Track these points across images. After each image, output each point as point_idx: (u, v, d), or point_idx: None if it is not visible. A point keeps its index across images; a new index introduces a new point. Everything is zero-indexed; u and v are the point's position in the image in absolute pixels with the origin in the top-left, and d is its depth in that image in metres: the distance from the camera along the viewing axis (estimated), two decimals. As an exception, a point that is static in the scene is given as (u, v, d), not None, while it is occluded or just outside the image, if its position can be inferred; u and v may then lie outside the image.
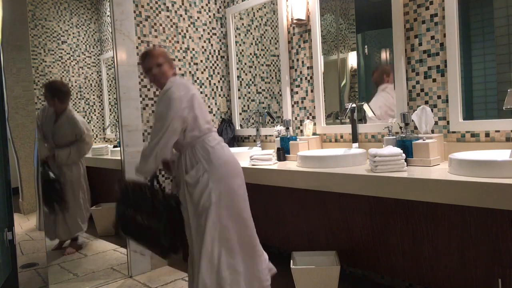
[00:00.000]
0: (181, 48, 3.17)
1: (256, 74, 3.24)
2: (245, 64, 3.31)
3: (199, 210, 1.92)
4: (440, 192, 1.65)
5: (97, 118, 3.44)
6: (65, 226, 3.02)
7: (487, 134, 2.03)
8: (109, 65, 3.38)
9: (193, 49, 3.24)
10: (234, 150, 2.89)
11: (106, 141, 3.49)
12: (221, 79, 3.41)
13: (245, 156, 2.70)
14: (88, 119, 3.40)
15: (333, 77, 2.76)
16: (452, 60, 2.11)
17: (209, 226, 1.89)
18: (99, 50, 3.42)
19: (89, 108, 3.39)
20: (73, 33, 3.30)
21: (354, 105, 2.45)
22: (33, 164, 2.21)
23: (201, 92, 3.28)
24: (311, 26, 2.78)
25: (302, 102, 2.91)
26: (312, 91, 2.84)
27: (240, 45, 3.34)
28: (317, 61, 2.76)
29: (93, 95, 3.41)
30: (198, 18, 3.27)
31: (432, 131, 2.18)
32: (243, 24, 3.31)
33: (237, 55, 3.37)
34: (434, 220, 1.85)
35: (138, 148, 2.90)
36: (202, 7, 3.29)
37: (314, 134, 2.78)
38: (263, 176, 2.36)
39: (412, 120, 2.18)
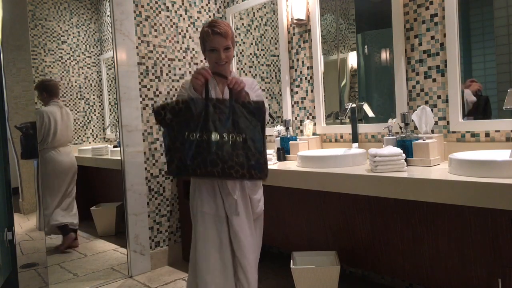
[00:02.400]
0: (181, 48, 3.17)
1: (256, 74, 3.24)
2: (245, 64, 3.31)
3: (256, 215, 1.88)
4: (440, 192, 1.65)
5: (97, 118, 3.44)
6: None
7: (487, 134, 2.03)
8: (109, 65, 3.38)
9: (193, 49, 3.24)
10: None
11: (106, 141, 3.49)
12: (221, 79, 3.41)
13: (245, 156, 2.70)
14: (88, 119, 3.40)
15: (333, 77, 2.76)
16: (452, 60, 2.11)
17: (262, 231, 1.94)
18: (99, 50, 3.43)
19: (89, 108, 3.40)
20: (73, 33, 3.30)
21: (354, 105, 2.45)
22: (33, 164, 2.21)
23: (201, 92, 3.28)
24: (311, 26, 2.78)
25: (302, 102, 2.91)
26: (312, 91, 2.84)
27: (240, 45, 3.34)
28: (317, 61, 2.76)
29: (93, 95, 3.42)
30: (198, 18, 3.27)
31: (432, 131, 2.18)
32: (243, 24, 3.30)
33: (237, 55, 3.36)
34: (434, 220, 1.85)
35: (138, 148, 2.90)
36: (202, 7, 3.29)
37: (314, 134, 2.78)
38: (263, 176, 2.36)
39: (412, 120, 2.18)
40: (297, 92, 2.94)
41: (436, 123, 2.21)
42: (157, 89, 3.02)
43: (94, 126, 3.43)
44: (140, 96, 2.94)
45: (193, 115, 1.61)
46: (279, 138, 2.79)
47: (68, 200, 3.13)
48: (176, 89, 3.12)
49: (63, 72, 3.24)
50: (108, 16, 3.23)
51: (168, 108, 1.64)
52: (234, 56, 2.05)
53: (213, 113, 1.62)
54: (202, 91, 1.68)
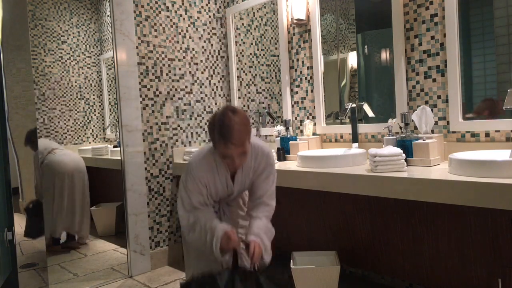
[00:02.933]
0: (181, 48, 3.17)
1: (256, 74, 3.24)
2: (245, 64, 3.31)
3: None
4: (440, 192, 1.65)
5: (97, 118, 3.44)
6: None
7: (487, 134, 2.03)
8: (109, 65, 3.38)
9: (193, 49, 3.24)
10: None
11: (106, 141, 3.50)
12: (221, 79, 3.41)
13: (245, 156, 2.70)
14: (88, 119, 3.40)
15: (333, 77, 2.76)
16: (452, 60, 2.11)
17: None
18: (99, 50, 3.43)
19: (89, 108, 3.40)
20: (73, 33, 3.30)
21: (354, 105, 2.45)
22: (32, 164, 2.21)
23: (201, 92, 3.29)
24: (311, 26, 2.78)
25: (302, 102, 2.91)
26: (312, 91, 2.84)
27: (240, 45, 3.34)
28: (317, 61, 2.76)
29: (93, 95, 3.42)
30: (198, 18, 3.27)
31: (432, 131, 2.18)
32: (243, 24, 3.31)
33: (237, 55, 3.37)
34: (434, 220, 1.85)
35: (138, 148, 2.90)
36: (202, 7, 3.29)
37: (314, 134, 2.78)
38: (263, 176, 2.36)
39: (412, 120, 2.18)
40: (297, 92, 2.94)
41: (436, 123, 2.21)
42: (157, 89, 3.02)
43: (94, 126, 3.43)
44: (140, 96, 2.93)
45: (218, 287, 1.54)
46: (279, 138, 2.79)
47: (71, 205, 3.09)
48: (176, 89, 3.12)
49: (63, 72, 3.24)
50: (108, 16, 3.23)
51: (195, 280, 1.60)
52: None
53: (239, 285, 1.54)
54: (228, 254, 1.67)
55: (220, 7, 3.40)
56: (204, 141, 3.29)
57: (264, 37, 3.16)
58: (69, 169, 3.07)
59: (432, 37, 2.21)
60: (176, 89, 3.13)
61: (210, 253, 1.68)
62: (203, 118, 3.29)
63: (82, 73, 3.34)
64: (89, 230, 3.20)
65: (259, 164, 1.79)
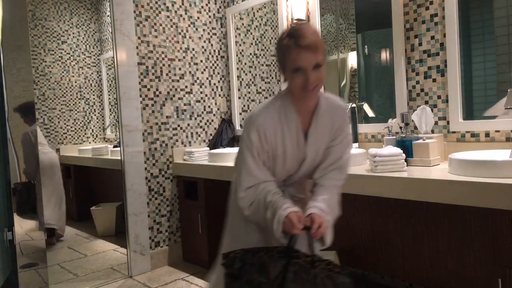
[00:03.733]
0: (181, 48, 3.17)
1: (256, 74, 3.24)
2: (245, 64, 3.31)
3: None
4: (440, 192, 1.65)
5: (97, 118, 3.45)
6: None
7: (487, 134, 2.03)
8: (109, 65, 3.39)
9: (193, 49, 3.24)
10: (234, 150, 2.89)
11: (106, 141, 3.50)
12: (221, 79, 3.41)
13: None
14: (88, 119, 3.40)
15: (333, 77, 2.76)
16: (452, 60, 2.11)
17: None
18: (99, 50, 3.43)
19: (89, 108, 3.40)
20: (73, 33, 3.31)
21: (354, 105, 2.45)
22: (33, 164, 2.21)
23: (201, 92, 3.29)
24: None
25: (302, 102, 2.91)
26: (312, 91, 2.84)
27: (240, 45, 3.34)
28: (317, 61, 2.76)
29: (93, 95, 3.42)
30: (198, 18, 3.27)
31: (432, 131, 2.18)
32: (243, 24, 3.31)
33: (237, 55, 3.37)
34: (434, 220, 1.85)
35: (138, 148, 2.91)
36: (202, 7, 3.29)
37: (314, 134, 2.78)
38: (263, 176, 2.36)
39: (412, 120, 2.18)
40: (297, 92, 2.94)
41: (436, 123, 2.21)
42: (157, 89, 3.02)
43: (94, 126, 3.44)
44: (140, 96, 2.93)
45: (266, 281, 1.26)
46: (279, 138, 2.78)
47: (54, 200, 3.10)
48: (176, 89, 3.12)
49: (63, 72, 3.24)
50: (108, 16, 3.23)
51: (239, 256, 1.33)
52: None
53: (291, 283, 1.24)
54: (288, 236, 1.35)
55: (220, 7, 3.40)
56: (204, 141, 3.29)
57: (264, 37, 3.16)
58: (47, 165, 3.05)
59: (432, 37, 2.21)
60: (176, 89, 3.13)
61: (271, 231, 1.38)
62: (203, 118, 3.29)
63: (82, 73, 3.35)
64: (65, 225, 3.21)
65: (335, 120, 1.45)
